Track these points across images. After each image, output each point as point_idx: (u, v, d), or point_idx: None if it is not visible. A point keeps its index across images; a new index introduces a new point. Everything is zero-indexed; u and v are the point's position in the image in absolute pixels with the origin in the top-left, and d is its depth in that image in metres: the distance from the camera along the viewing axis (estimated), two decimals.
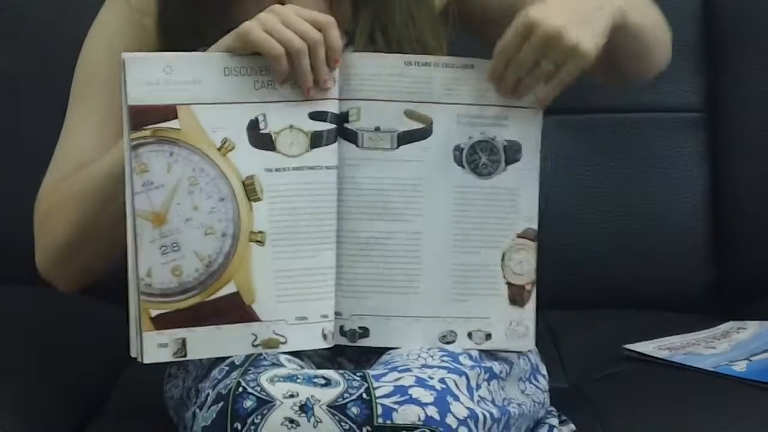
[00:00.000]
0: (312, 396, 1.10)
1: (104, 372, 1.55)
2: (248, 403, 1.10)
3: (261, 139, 1.21)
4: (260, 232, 1.21)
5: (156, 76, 1.18)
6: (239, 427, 1.10)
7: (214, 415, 1.12)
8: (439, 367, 1.17)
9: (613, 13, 1.21)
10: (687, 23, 1.80)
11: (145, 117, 1.18)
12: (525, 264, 1.25)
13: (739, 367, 1.44)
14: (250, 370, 1.16)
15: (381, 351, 1.25)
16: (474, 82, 1.24)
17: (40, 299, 1.66)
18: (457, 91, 1.24)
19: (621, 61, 1.33)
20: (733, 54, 1.81)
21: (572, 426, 1.34)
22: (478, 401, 1.16)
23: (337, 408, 1.09)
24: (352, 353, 1.29)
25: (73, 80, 1.37)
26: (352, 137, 1.23)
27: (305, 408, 1.09)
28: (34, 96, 1.76)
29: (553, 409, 1.36)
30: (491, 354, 1.25)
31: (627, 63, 1.35)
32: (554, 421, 1.34)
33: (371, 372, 1.15)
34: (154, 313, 1.18)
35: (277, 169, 1.21)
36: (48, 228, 1.31)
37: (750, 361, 1.45)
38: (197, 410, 1.17)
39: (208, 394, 1.16)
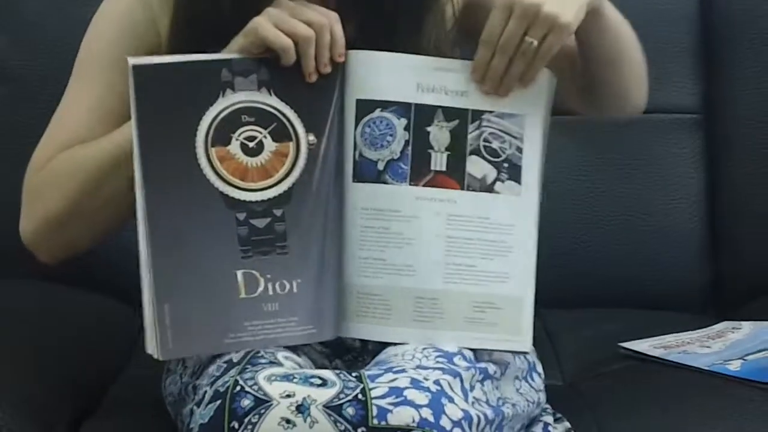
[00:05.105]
0: (308, 396, 1.10)
1: (102, 367, 1.55)
2: (245, 402, 1.10)
3: None
4: None
5: None
6: (236, 426, 1.10)
7: (212, 413, 1.12)
8: (434, 368, 1.16)
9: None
10: (684, 25, 1.80)
11: None
12: None
13: (734, 366, 1.44)
14: (247, 368, 1.16)
15: (375, 352, 1.25)
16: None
17: (38, 294, 1.66)
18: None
19: (596, 67, 1.33)
20: (730, 55, 1.81)
21: (567, 424, 1.35)
22: (472, 402, 1.16)
23: (332, 408, 1.09)
24: (347, 353, 1.30)
25: (78, 54, 1.36)
26: None
27: (302, 408, 1.09)
28: (38, 92, 1.75)
29: (548, 406, 1.36)
30: (486, 354, 1.26)
31: (602, 71, 1.34)
32: (549, 418, 1.34)
33: (366, 372, 1.15)
34: None
35: None
36: (41, 198, 1.31)
37: (744, 360, 1.46)
38: (195, 407, 1.18)
39: (206, 392, 1.16)
